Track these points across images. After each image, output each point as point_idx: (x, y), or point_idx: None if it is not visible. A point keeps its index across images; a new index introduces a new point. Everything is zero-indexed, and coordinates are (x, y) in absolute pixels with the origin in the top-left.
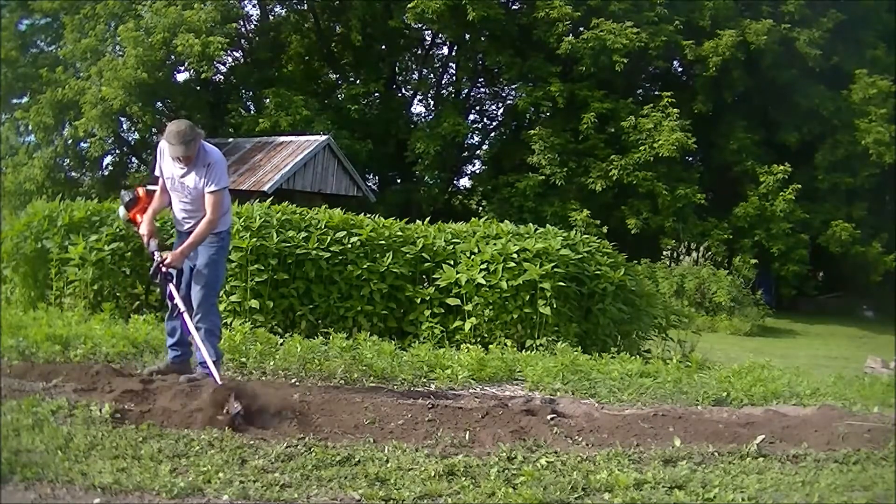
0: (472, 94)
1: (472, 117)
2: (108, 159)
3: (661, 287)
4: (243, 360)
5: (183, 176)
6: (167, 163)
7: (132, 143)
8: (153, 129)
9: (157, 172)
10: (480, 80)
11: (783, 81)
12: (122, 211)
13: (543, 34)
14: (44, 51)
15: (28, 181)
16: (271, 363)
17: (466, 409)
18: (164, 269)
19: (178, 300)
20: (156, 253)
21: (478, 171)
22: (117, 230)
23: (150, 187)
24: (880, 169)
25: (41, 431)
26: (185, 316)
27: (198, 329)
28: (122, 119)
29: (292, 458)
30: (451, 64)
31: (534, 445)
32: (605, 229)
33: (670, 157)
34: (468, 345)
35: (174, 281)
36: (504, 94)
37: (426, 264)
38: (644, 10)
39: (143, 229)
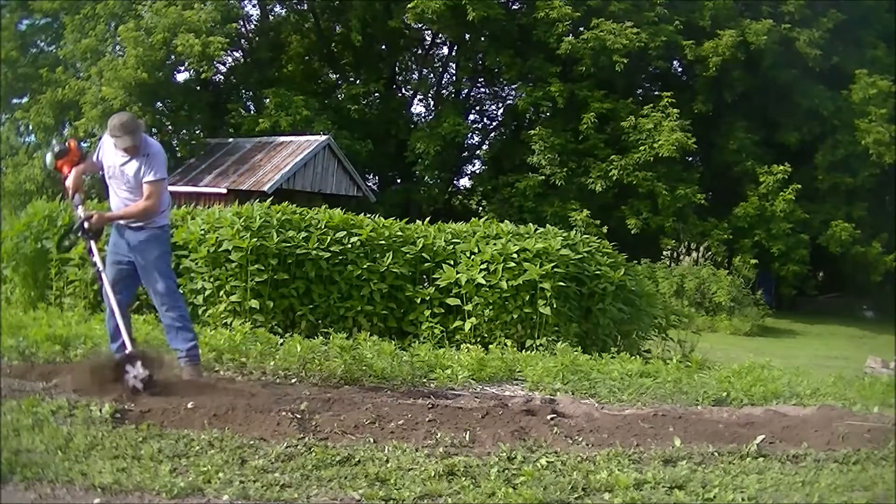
0: (472, 94)
1: (472, 117)
2: None
3: (661, 287)
4: (243, 360)
5: (123, 164)
6: (109, 153)
7: None
8: (153, 129)
9: (94, 159)
10: (480, 80)
11: (783, 81)
12: (48, 157)
13: (543, 34)
14: (44, 51)
15: (28, 181)
16: (271, 363)
17: (466, 409)
18: (85, 226)
19: (99, 266)
20: (80, 208)
21: (478, 171)
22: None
23: (83, 144)
24: (880, 169)
25: (41, 431)
26: (113, 303)
27: (170, 318)
28: None
29: (292, 458)
30: (451, 64)
31: (534, 445)
32: (605, 229)
33: (670, 157)
34: (468, 345)
35: (95, 240)
36: (504, 94)
37: (426, 264)
38: (644, 10)
39: (69, 182)
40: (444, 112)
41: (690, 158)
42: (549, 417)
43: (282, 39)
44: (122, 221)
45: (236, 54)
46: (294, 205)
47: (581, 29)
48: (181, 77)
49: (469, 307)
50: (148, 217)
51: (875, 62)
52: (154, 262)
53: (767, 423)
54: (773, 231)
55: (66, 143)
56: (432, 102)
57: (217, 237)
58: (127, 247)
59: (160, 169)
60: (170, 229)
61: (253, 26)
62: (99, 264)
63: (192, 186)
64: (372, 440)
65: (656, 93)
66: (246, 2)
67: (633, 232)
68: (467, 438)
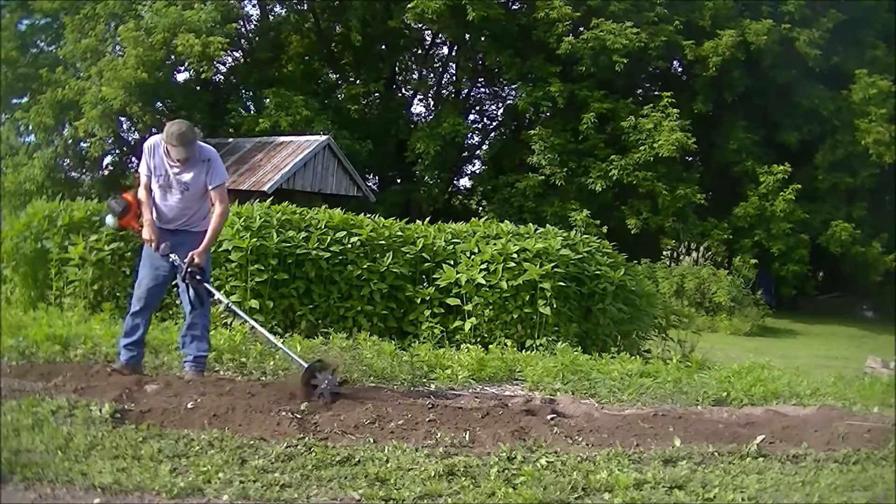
0: (472, 94)
1: (472, 117)
2: (108, 159)
3: (661, 287)
4: (243, 360)
5: (179, 173)
6: (159, 160)
7: (132, 143)
8: (153, 129)
9: (141, 171)
10: (480, 80)
11: (783, 81)
12: (109, 219)
13: (543, 34)
14: (44, 51)
15: (28, 181)
16: (271, 363)
17: (466, 409)
18: (190, 270)
19: (218, 296)
20: (173, 256)
21: (478, 171)
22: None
23: (137, 193)
24: (880, 169)
25: (41, 431)
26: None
27: (194, 324)
28: (122, 119)
29: (292, 458)
30: (451, 64)
31: (534, 445)
32: (605, 229)
33: (670, 157)
34: (468, 345)
35: (205, 279)
36: (504, 94)
37: (426, 264)
38: (644, 10)
39: (150, 235)
40: (444, 112)
41: (690, 158)
42: (549, 417)
43: (282, 39)
44: (171, 227)
45: (236, 54)
46: (294, 205)
47: (581, 29)
48: (181, 77)
49: (469, 307)
50: (225, 222)
51: (875, 62)
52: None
53: (767, 423)
54: (773, 231)
55: (124, 199)
56: (432, 102)
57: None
58: (170, 250)
59: (224, 173)
60: None
61: (253, 26)
62: (223, 298)
63: None
64: (372, 440)
65: (656, 93)
66: (246, 2)
67: (633, 232)
68: (467, 438)
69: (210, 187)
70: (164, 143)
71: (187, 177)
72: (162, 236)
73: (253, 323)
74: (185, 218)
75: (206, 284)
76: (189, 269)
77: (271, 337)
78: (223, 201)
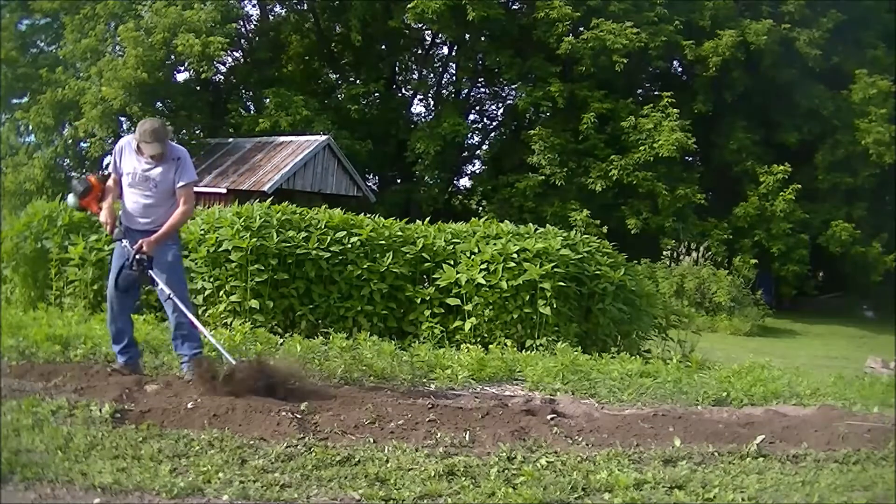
0: (472, 94)
1: (472, 117)
2: (107, 159)
3: (661, 287)
4: (243, 360)
5: (149, 170)
6: (129, 159)
7: None
8: None
9: (112, 169)
10: (480, 80)
11: (783, 81)
12: (71, 199)
13: (543, 34)
14: (44, 51)
15: (28, 181)
16: (271, 363)
17: (466, 409)
18: (138, 256)
19: (162, 286)
20: (124, 241)
21: (478, 171)
22: None
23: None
24: (880, 169)
25: (41, 431)
26: (177, 301)
27: (178, 324)
28: (122, 119)
29: (292, 458)
30: (451, 64)
31: (534, 445)
32: (605, 229)
33: (670, 157)
34: (468, 345)
35: (150, 266)
36: (504, 94)
37: (426, 264)
38: (644, 10)
39: (105, 217)
40: (444, 112)
41: (690, 158)
42: (549, 417)
43: (282, 39)
44: (139, 227)
45: (236, 54)
46: (294, 205)
47: (581, 29)
48: (181, 77)
49: (469, 307)
50: (186, 221)
51: (875, 62)
52: (170, 266)
53: (767, 423)
54: (773, 231)
55: (87, 181)
56: (432, 102)
57: (217, 237)
58: (123, 236)
59: (193, 173)
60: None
61: (253, 26)
62: (166, 288)
63: None
64: (372, 440)
65: (656, 93)
66: (246, 2)
67: (633, 232)
68: (467, 438)
69: (178, 185)
70: (137, 140)
71: (156, 173)
72: (131, 237)
73: (193, 318)
74: (152, 217)
75: (150, 273)
76: (137, 256)
77: (204, 329)
78: (188, 202)
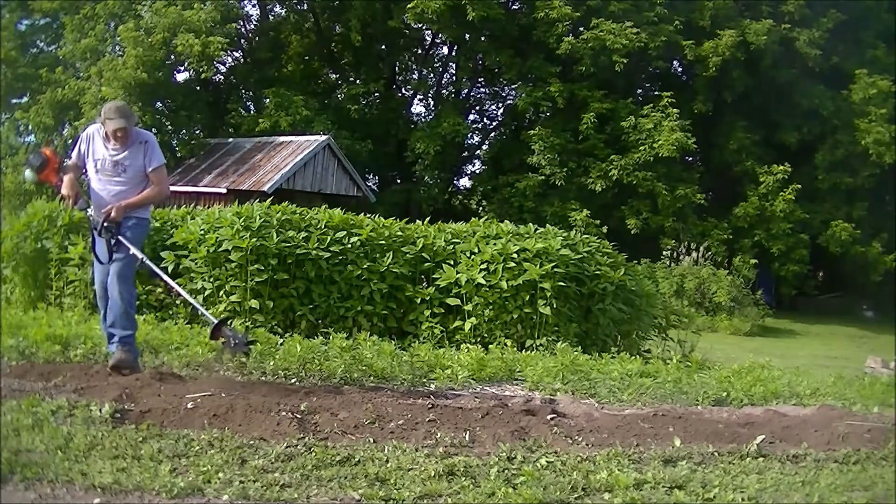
0: (472, 94)
1: (472, 117)
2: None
3: (661, 287)
4: (243, 360)
5: (116, 154)
6: (96, 146)
7: None
8: (153, 129)
9: (74, 156)
10: (480, 80)
11: (783, 81)
12: (28, 174)
13: (543, 34)
14: (44, 51)
15: (28, 181)
16: (271, 363)
17: (466, 409)
18: (105, 224)
19: (133, 250)
20: (90, 211)
21: (478, 171)
22: None
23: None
24: (880, 169)
25: (41, 431)
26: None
27: (118, 305)
28: None
29: (292, 458)
30: (451, 64)
31: (534, 445)
32: (605, 229)
33: (670, 157)
34: (468, 345)
35: (119, 232)
36: (504, 94)
37: (426, 264)
38: (644, 10)
39: (67, 189)
40: (444, 112)
41: (690, 158)
42: (549, 417)
43: (282, 39)
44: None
45: (236, 54)
46: (294, 205)
47: (581, 29)
48: (181, 77)
49: (469, 307)
50: (160, 201)
51: (875, 62)
52: (129, 239)
53: (767, 423)
54: (773, 231)
55: (42, 153)
56: (432, 102)
57: (217, 237)
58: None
59: (161, 155)
60: (150, 223)
61: (253, 26)
62: (138, 253)
63: (191, 186)
64: (372, 440)
65: (656, 93)
66: (246, 2)
67: (633, 232)
68: (467, 438)
69: (149, 169)
70: (102, 119)
71: (124, 157)
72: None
73: (167, 279)
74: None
75: (120, 238)
76: (104, 224)
77: (184, 293)
78: (161, 183)
